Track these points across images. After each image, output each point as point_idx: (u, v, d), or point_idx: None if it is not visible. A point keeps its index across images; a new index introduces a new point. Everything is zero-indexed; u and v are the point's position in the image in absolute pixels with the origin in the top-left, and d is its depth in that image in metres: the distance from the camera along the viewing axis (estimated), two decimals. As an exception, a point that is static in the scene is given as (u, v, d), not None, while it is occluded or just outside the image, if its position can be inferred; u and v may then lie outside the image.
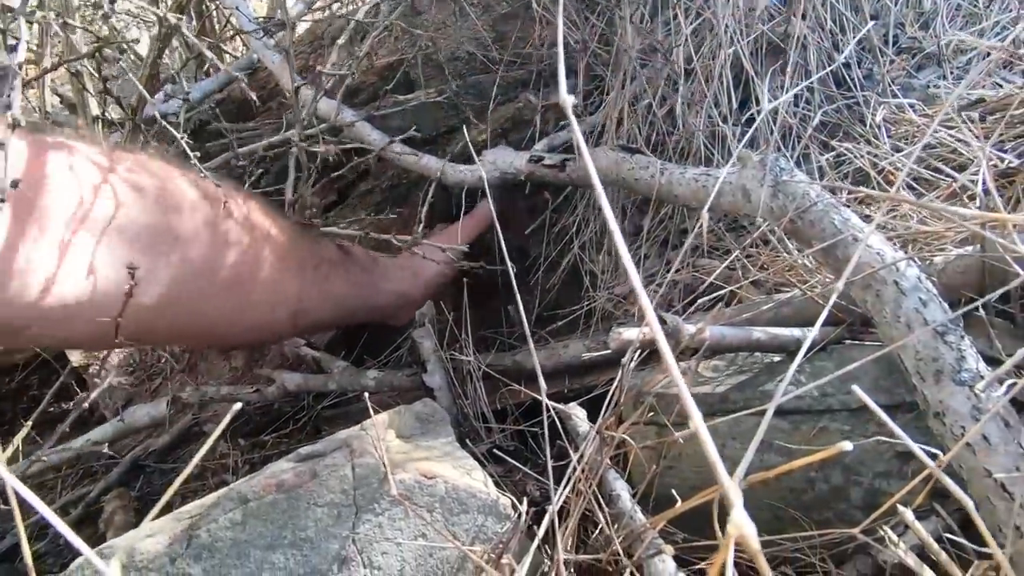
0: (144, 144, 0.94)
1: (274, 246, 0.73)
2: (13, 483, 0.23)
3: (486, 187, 0.76)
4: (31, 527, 1.19)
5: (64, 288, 0.48)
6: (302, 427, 1.05)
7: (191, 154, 0.74)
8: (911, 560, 0.35)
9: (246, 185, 1.00)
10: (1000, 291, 0.47)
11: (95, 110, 0.92)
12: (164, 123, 0.71)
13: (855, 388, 0.24)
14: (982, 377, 0.42)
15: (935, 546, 0.33)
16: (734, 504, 0.16)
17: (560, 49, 0.29)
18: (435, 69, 1.20)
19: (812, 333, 0.31)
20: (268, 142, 0.90)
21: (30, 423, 0.46)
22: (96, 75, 0.73)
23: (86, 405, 0.61)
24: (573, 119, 0.24)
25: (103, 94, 0.77)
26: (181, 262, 0.58)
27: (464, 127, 1.11)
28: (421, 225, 0.88)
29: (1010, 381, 0.36)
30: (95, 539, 1.10)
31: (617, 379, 0.44)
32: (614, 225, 0.21)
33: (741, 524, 0.15)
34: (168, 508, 0.50)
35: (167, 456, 1.24)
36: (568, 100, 0.25)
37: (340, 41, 0.86)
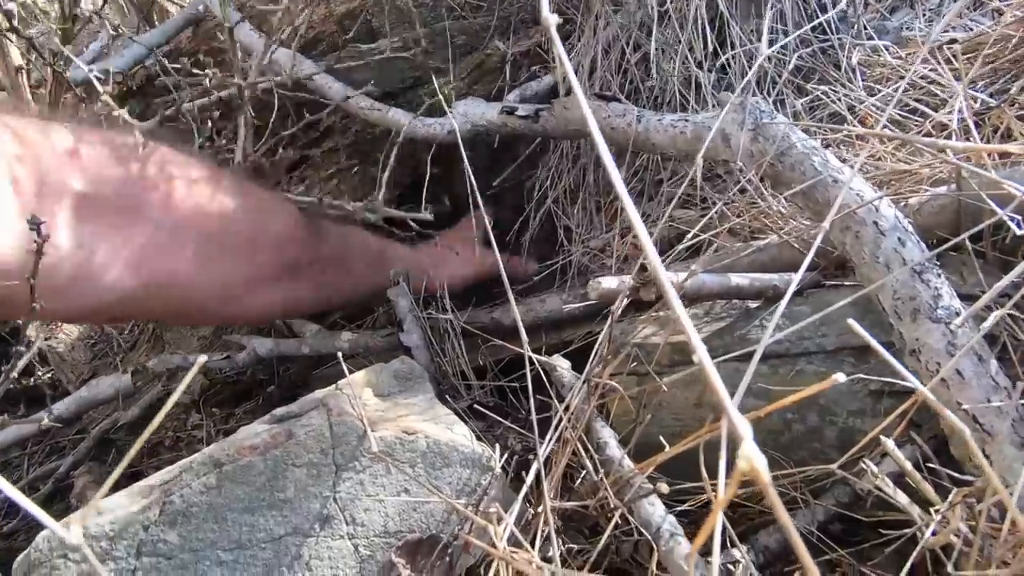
0: (73, 102, 0.87)
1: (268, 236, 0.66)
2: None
3: (459, 140, 0.73)
4: (1, 503, 1.16)
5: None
6: (278, 393, 1.03)
7: (120, 112, 0.68)
8: (888, 488, 0.36)
9: (194, 144, 0.94)
10: (974, 229, 0.47)
11: (17, 60, 0.84)
12: (92, 78, 0.65)
13: (852, 323, 0.24)
14: (958, 314, 0.42)
15: (915, 473, 0.34)
16: (744, 437, 0.15)
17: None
18: (398, 16, 1.14)
19: (796, 278, 0.30)
20: (216, 95, 0.84)
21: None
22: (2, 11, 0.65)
23: (14, 375, 0.56)
24: (557, 40, 0.22)
25: (11, 32, 0.69)
26: (157, 233, 0.53)
27: (433, 78, 1.06)
28: (381, 192, 0.84)
29: (992, 317, 0.36)
30: (67, 515, 1.08)
31: (606, 327, 0.43)
32: (615, 173, 0.20)
33: (752, 456, 0.15)
34: (139, 479, 0.48)
35: (139, 428, 1.22)
36: (551, 19, 0.23)
37: None
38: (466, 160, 0.53)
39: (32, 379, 1.37)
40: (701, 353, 0.16)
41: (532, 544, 0.40)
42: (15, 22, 0.72)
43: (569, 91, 1.03)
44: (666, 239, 0.87)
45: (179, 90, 1.11)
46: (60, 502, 1.10)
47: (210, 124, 0.91)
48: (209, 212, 0.57)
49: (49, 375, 1.36)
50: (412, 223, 0.80)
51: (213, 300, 0.62)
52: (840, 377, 0.23)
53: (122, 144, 0.54)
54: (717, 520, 0.19)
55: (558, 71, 1.01)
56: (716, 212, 0.76)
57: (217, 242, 0.58)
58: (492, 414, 0.64)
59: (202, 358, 0.23)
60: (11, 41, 0.76)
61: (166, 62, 0.96)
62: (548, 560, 0.38)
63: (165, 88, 1.13)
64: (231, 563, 0.41)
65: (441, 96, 0.86)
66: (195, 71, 1.10)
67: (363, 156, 1.23)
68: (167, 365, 0.93)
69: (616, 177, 0.20)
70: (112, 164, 0.52)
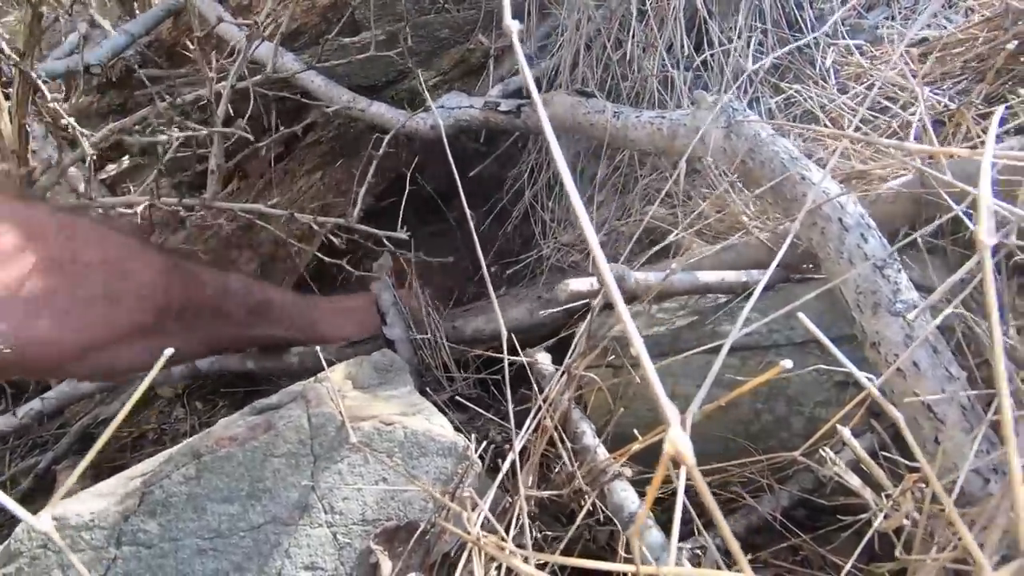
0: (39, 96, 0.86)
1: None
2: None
3: (443, 135, 0.73)
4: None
5: None
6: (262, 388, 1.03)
7: (69, 120, 0.68)
8: (845, 474, 0.38)
9: (173, 145, 0.92)
10: (933, 225, 0.49)
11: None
12: (39, 83, 0.64)
13: (801, 316, 0.25)
14: (915, 307, 0.44)
15: (869, 460, 0.36)
16: (672, 424, 0.16)
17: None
18: (380, 8, 1.14)
19: (767, 274, 0.31)
20: (195, 94, 0.83)
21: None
22: None
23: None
24: (518, 46, 0.23)
25: None
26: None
27: (417, 73, 1.07)
28: (356, 208, 0.83)
29: (947, 310, 0.38)
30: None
31: (585, 322, 0.45)
32: (565, 169, 0.21)
33: (676, 440, 0.16)
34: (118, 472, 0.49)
35: (121, 422, 1.21)
36: (513, 25, 0.24)
37: None
38: (450, 157, 0.54)
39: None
40: (639, 348, 0.17)
41: (507, 531, 0.41)
42: None
43: (550, 88, 1.04)
44: (642, 233, 0.89)
45: (157, 83, 1.10)
46: (44, 497, 1.10)
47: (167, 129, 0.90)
48: (57, 266, 0.53)
49: (29, 369, 1.34)
50: (386, 241, 0.80)
51: (68, 357, 0.57)
52: (787, 363, 0.25)
53: None
54: (648, 502, 0.20)
55: (522, 77, 1.01)
56: (690, 211, 0.77)
57: (66, 298, 0.54)
58: (473, 406, 0.65)
59: (168, 350, 0.24)
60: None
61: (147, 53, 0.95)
62: (522, 546, 0.39)
63: (143, 81, 1.13)
64: (211, 551, 0.42)
65: (424, 90, 0.87)
66: (177, 68, 1.09)
67: (347, 149, 1.23)
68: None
69: (565, 170, 0.21)
70: None
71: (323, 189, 1.22)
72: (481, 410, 0.66)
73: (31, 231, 0.52)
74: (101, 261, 0.56)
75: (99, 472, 1.08)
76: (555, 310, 0.52)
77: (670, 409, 0.17)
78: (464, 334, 0.83)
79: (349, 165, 1.20)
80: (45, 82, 0.60)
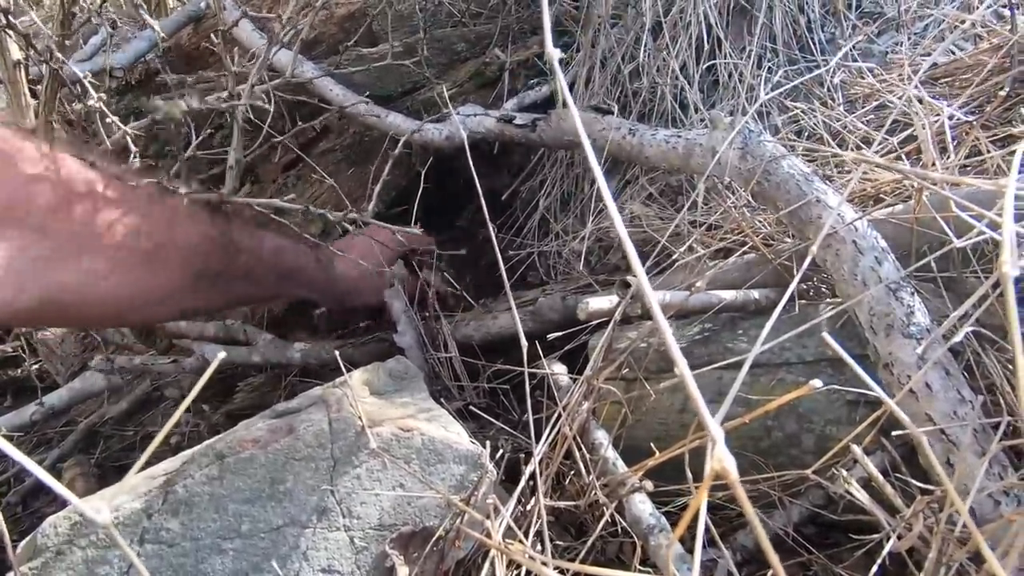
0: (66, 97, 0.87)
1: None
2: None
3: (466, 145, 0.74)
4: (-15, 493, 1.16)
5: None
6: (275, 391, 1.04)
7: (112, 118, 0.69)
8: (859, 493, 0.38)
9: (191, 146, 0.94)
10: (938, 252, 0.50)
11: (16, 54, 0.85)
12: (83, 81, 0.66)
13: (825, 336, 0.26)
14: (929, 331, 0.45)
15: (881, 479, 0.36)
16: (717, 441, 0.17)
17: None
18: (397, 20, 1.16)
19: (787, 294, 0.32)
20: (207, 102, 0.85)
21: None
22: None
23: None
24: (559, 72, 0.24)
25: (8, 28, 0.70)
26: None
27: (434, 84, 1.08)
28: (371, 203, 0.84)
29: (959, 333, 0.39)
30: (54, 506, 1.08)
31: (604, 336, 0.46)
32: (604, 184, 0.22)
33: (723, 458, 0.17)
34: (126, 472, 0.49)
35: (127, 422, 1.22)
36: (555, 53, 0.25)
37: None
38: (472, 167, 0.55)
39: (20, 370, 1.36)
40: (683, 368, 0.18)
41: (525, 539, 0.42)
42: (11, 17, 0.73)
43: (566, 103, 1.06)
44: (649, 244, 0.90)
45: (180, 87, 1.12)
46: (47, 494, 1.10)
47: (188, 131, 0.91)
48: (108, 223, 0.55)
49: (36, 366, 1.35)
50: (400, 237, 0.81)
51: (112, 312, 0.61)
52: (816, 383, 0.26)
53: (17, 151, 0.52)
54: (702, 508, 0.21)
55: (560, 98, 1.03)
56: (703, 225, 0.78)
57: (116, 254, 0.56)
58: (485, 415, 0.66)
59: (221, 354, 0.25)
60: (10, 36, 0.77)
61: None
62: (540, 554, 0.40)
63: (164, 84, 1.14)
64: (231, 551, 0.43)
65: (439, 102, 0.88)
66: (198, 71, 1.11)
67: (360, 157, 1.24)
68: (111, 368, 0.94)
69: (607, 192, 0.22)
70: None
71: (335, 196, 1.24)
72: (491, 419, 0.67)
73: (90, 194, 0.55)
74: (150, 222, 0.60)
75: (104, 472, 1.08)
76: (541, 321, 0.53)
77: (714, 426, 0.18)
78: (454, 338, 0.84)
79: (362, 174, 1.22)
80: (93, 84, 0.62)
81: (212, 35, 1.31)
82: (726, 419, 0.35)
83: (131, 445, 1.18)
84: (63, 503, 1.00)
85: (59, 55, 0.76)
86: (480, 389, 0.79)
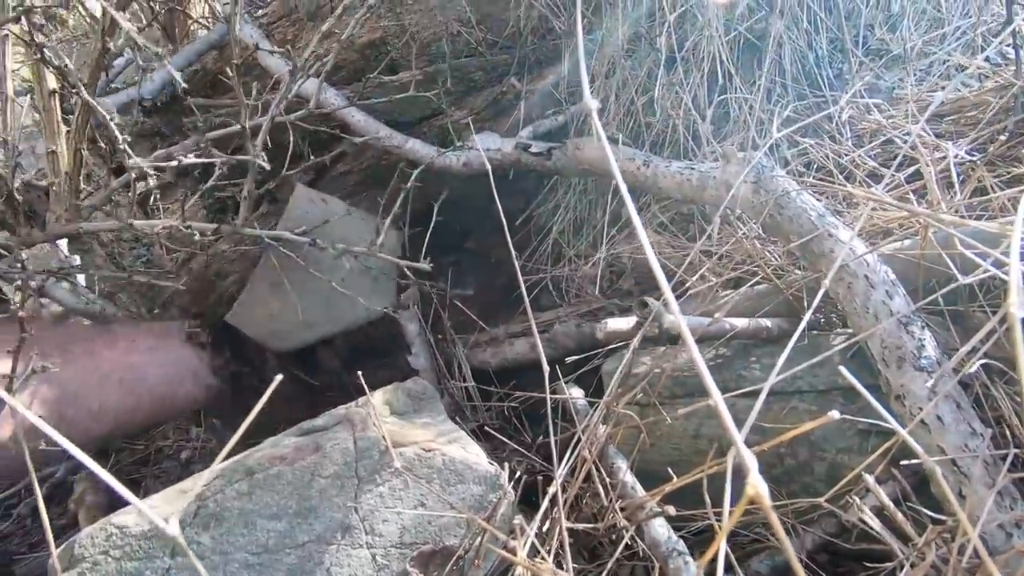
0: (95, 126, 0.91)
1: None
2: (76, 452, 0.24)
3: (491, 175, 0.75)
4: (-3, 506, 1.17)
5: None
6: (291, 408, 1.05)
7: (123, 140, 0.73)
8: (873, 521, 0.39)
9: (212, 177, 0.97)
10: (946, 289, 0.51)
11: (52, 83, 0.88)
12: (99, 110, 0.70)
13: (842, 369, 0.27)
14: (939, 364, 0.46)
15: (894, 509, 0.37)
16: (751, 468, 0.19)
17: (581, 49, 0.31)
18: (417, 48, 1.19)
19: (803, 324, 0.34)
20: (229, 130, 0.88)
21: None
22: (31, 44, 0.70)
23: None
24: (597, 122, 0.26)
25: (38, 62, 0.73)
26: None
27: (450, 112, 1.11)
28: (381, 238, 0.86)
29: (968, 365, 0.40)
30: (63, 519, 1.09)
31: (623, 361, 0.47)
32: (635, 215, 0.24)
33: (757, 484, 0.18)
34: (138, 485, 0.50)
35: (138, 436, 1.23)
36: (593, 104, 0.27)
37: (324, 27, 0.85)
38: (495, 192, 0.57)
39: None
40: (716, 397, 0.20)
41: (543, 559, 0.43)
42: (46, 51, 0.76)
43: (578, 134, 1.09)
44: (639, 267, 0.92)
45: (205, 112, 1.15)
46: (57, 505, 1.11)
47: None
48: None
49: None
50: (408, 271, 0.83)
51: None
52: (835, 414, 0.27)
53: None
54: (722, 541, 0.22)
55: (573, 128, 1.05)
56: (715, 255, 0.80)
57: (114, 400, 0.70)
58: (499, 435, 0.67)
59: (278, 377, 0.26)
60: (48, 68, 0.80)
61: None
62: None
63: (188, 107, 1.18)
64: (257, 566, 0.44)
65: (456, 129, 0.90)
66: (220, 95, 1.14)
67: (375, 182, 1.27)
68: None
69: (635, 217, 0.24)
70: None
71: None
72: (507, 440, 0.68)
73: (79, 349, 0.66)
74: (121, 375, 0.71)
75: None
76: (558, 348, 0.54)
77: (748, 454, 0.19)
78: (472, 363, 0.86)
79: (377, 196, 1.24)
80: (119, 126, 0.65)
81: (227, 68, 1.36)
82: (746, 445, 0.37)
83: (143, 459, 1.19)
84: (74, 515, 1.01)
85: (85, 95, 0.79)
86: (493, 410, 0.80)
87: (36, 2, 0.66)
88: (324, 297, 0.91)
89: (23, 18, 0.66)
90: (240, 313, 0.88)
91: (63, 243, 1.11)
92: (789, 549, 0.20)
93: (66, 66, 0.82)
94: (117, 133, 0.64)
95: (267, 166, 0.90)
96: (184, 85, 0.77)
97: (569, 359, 0.56)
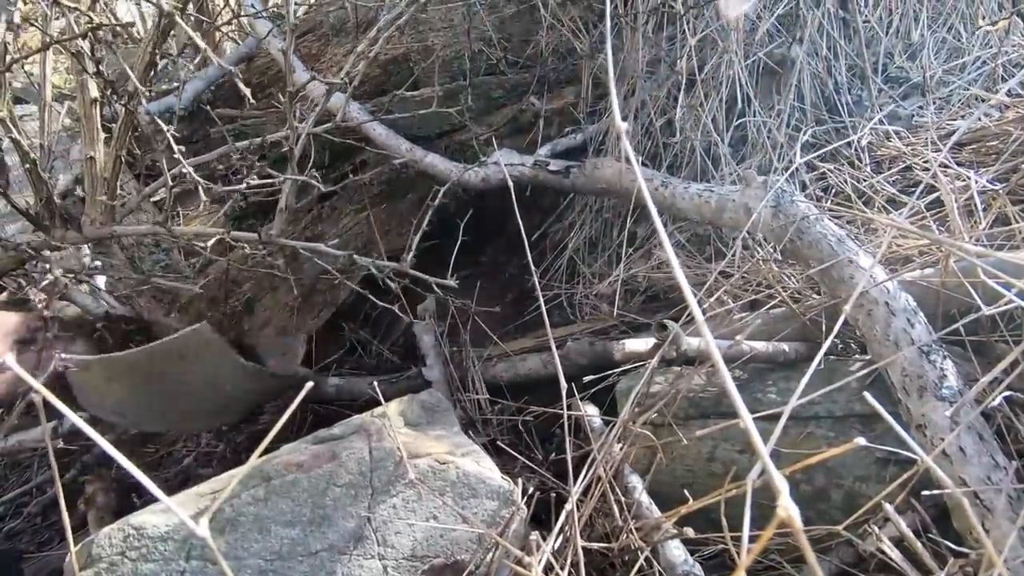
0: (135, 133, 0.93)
1: None
2: (101, 442, 0.25)
3: (512, 191, 0.75)
4: (7, 504, 1.18)
5: None
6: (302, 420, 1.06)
7: (177, 148, 0.74)
8: (892, 552, 0.39)
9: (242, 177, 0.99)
10: (968, 318, 0.51)
11: (94, 92, 0.91)
12: (156, 120, 0.72)
13: (867, 396, 0.27)
14: (961, 394, 0.46)
15: (914, 540, 0.37)
16: (782, 491, 0.19)
17: (611, 72, 0.31)
18: (441, 66, 1.22)
19: (821, 351, 0.34)
20: (262, 143, 0.90)
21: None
22: (91, 57, 0.72)
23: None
24: (627, 144, 0.27)
25: (96, 76, 0.76)
26: None
27: (471, 128, 1.13)
28: (410, 255, 0.86)
29: (992, 396, 0.40)
30: (74, 519, 1.09)
31: (641, 381, 0.47)
32: (664, 235, 0.24)
33: (788, 507, 0.18)
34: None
35: (148, 439, 1.24)
36: (623, 126, 0.27)
37: (359, 49, 0.86)
38: (516, 208, 0.58)
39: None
40: (747, 419, 0.20)
41: (552, 579, 0.42)
42: (103, 67, 0.78)
43: (597, 153, 1.10)
44: (678, 290, 0.92)
45: (230, 121, 1.18)
46: (68, 506, 1.11)
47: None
48: None
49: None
50: (436, 287, 0.84)
51: None
52: (861, 441, 0.27)
53: None
54: (746, 565, 0.22)
55: (635, 172, 1.06)
56: (734, 274, 0.80)
57: None
58: (511, 450, 0.67)
59: (309, 384, 0.27)
60: (91, 76, 0.83)
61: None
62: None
63: (220, 115, 1.21)
64: (270, 572, 0.44)
65: (476, 144, 0.92)
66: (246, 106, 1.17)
67: (394, 194, 1.29)
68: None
69: (664, 236, 0.24)
70: None
71: (368, 228, 1.28)
72: (519, 455, 0.68)
73: None
74: None
75: (124, 488, 1.10)
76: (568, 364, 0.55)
77: (779, 478, 0.19)
78: (485, 377, 0.86)
79: (395, 208, 1.26)
80: (159, 128, 0.67)
81: (263, 75, 1.39)
82: (762, 471, 0.36)
83: (153, 463, 1.20)
84: (83, 516, 1.02)
85: (134, 101, 0.82)
86: (505, 425, 0.80)
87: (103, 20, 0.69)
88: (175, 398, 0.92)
89: (91, 34, 0.69)
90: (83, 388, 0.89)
91: (84, 247, 1.13)
92: (818, 572, 0.20)
93: (118, 79, 0.84)
94: (173, 143, 0.65)
95: (322, 187, 0.91)
96: (238, 74, 0.78)
97: (586, 378, 0.56)
